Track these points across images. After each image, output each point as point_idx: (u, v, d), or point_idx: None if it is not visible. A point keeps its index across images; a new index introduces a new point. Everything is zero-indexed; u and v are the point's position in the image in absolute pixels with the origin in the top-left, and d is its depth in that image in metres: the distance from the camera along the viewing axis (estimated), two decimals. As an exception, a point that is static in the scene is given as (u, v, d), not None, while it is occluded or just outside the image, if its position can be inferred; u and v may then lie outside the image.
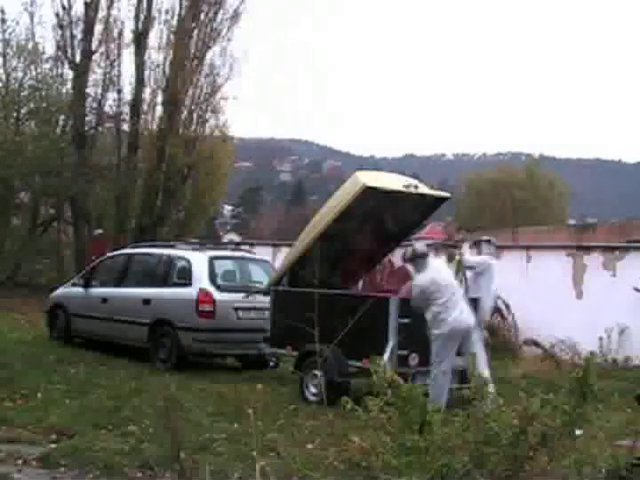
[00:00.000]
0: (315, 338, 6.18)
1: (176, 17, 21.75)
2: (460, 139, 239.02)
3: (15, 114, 22.06)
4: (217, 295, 10.53)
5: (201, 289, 10.55)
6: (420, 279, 8.26)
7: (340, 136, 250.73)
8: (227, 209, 67.48)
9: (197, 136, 22.65)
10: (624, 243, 15.97)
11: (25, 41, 22.18)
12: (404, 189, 9.18)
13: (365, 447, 3.78)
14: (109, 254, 13.35)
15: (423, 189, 9.52)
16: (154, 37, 21.91)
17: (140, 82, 21.68)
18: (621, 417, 7.59)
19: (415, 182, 9.60)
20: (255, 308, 10.54)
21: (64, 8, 21.35)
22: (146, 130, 22.37)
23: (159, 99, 22.05)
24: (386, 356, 7.83)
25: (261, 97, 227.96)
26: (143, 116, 22.16)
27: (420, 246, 8.59)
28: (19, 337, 12.46)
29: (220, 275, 10.98)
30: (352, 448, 3.90)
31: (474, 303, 9.14)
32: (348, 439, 4.03)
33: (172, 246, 12.13)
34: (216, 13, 21.95)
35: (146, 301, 11.06)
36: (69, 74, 21.99)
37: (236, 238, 38.78)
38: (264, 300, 10.05)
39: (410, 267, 8.79)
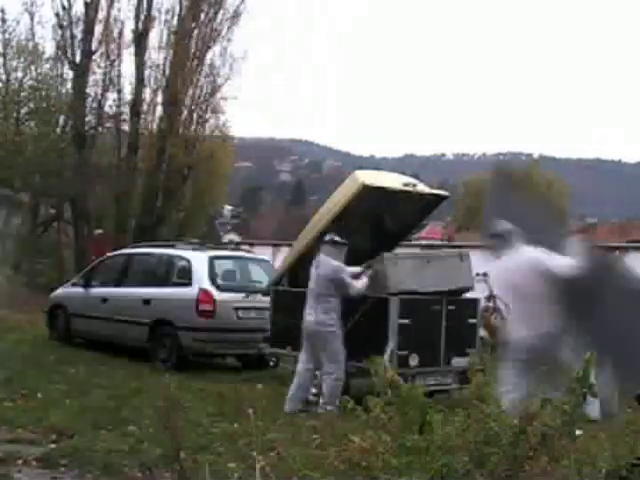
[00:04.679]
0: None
1: (176, 17, 21.85)
2: (460, 139, 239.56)
3: (15, 114, 22.12)
4: (217, 295, 10.53)
5: (201, 289, 10.55)
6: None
7: (340, 136, 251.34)
8: (227, 209, 67.38)
9: (197, 136, 22.69)
10: (624, 243, 15.99)
11: (25, 41, 22.30)
12: (403, 187, 9.19)
13: (365, 447, 3.78)
14: (109, 254, 13.36)
15: (422, 188, 9.53)
16: (154, 37, 22.04)
17: (140, 82, 21.72)
18: (621, 417, 7.59)
19: (414, 181, 9.61)
20: (255, 308, 10.54)
21: (64, 8, 21.42)
22: (146, 130, 22.40)
23: (159, 99, 22.14)
24: (386, 356, 7.83)
25: (261, 97, 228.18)
26: (143, 116, 22.22)
27: None
28: (19, 337, 12.45)
29: (220, 275, 10.98)
30: (352, 448, 3.89)
31: (474, 303, 9.15)
32: (348, 439, 4.02)
33: (172, 246, 12.13)
34: (216, 13, 22.03)
35: (146, 301, 11.06)
36: (69, 74, 22.09)
37: (236, 238, 38.77)
38: (264, 300, 10.05)
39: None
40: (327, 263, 8.26)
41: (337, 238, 8.40)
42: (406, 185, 9.26)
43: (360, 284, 8.29)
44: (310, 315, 8.22)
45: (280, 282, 9.86)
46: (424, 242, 19.04)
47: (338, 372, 8.15)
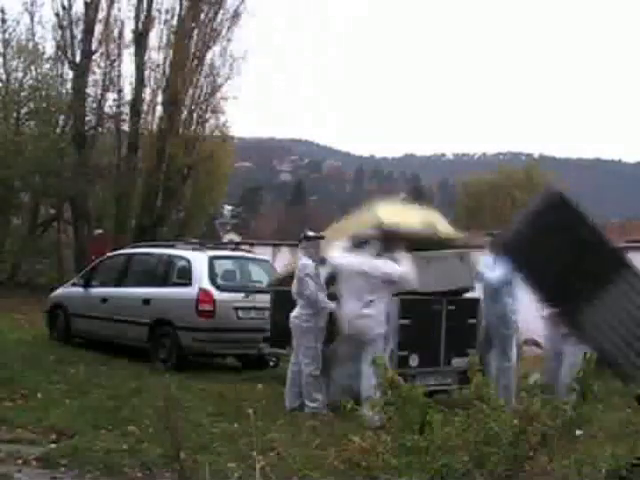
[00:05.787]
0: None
1: (176, 17, 21.82)
2: (460, 139, 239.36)
3: (15, 114, 22.08)
4: (217, 295, 10.52)
5: (201, 289, 10.55)
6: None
7: (340, 136, 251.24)
8: (227, 209, 67.36)
9: (197, 136, 22.68)
10: (624, 243, 15.96)
11: (25, 41, 22.25)
12: (422, 231, 8.86)
13: (365, 447, 3.78)
14: (109, 254, 13.35)
15: (441, 228, 9.05)
16: (154, 37, 22.01)
17: (140, 82, 21.70)
18: (621, 417, 7.58)
19: (434, 220, 9.11)
20: (255, 308, 10.54)
21: (64, 8, 21.41)
22: (146, 130, 22.39)
23: (159, 99, 22.11)
24: (386, 356, 7.82)
25: (261, 97, 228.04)
26: (143, 116, 22.19)
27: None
28: (19, 337, 12.45)
29: (220, 275, 10.98)
30: (352, 448, 3.89)
31: (474, 303, 9.13)
32: (348, 439, 4.03)
33: (172, 246, 12.12)
34: (216, 13, 22.01)
35: (146, 301, 11.05)
36: (69, 74, 22.06)
37: (236, 238, 38.71)
38: (264, 300, 10.04)
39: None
40: (301, 263, 8.50)
41: (310, 233, 8.62)
42: (426, 226, 8.89)
43: (327, 303, 8.38)
44: (294, 311, 8.51)
45: (280, 282, 9.85)
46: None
47: (310, 367, 8.21)
